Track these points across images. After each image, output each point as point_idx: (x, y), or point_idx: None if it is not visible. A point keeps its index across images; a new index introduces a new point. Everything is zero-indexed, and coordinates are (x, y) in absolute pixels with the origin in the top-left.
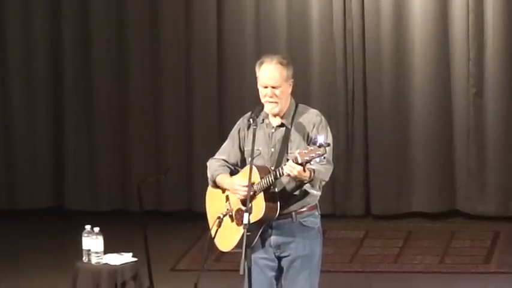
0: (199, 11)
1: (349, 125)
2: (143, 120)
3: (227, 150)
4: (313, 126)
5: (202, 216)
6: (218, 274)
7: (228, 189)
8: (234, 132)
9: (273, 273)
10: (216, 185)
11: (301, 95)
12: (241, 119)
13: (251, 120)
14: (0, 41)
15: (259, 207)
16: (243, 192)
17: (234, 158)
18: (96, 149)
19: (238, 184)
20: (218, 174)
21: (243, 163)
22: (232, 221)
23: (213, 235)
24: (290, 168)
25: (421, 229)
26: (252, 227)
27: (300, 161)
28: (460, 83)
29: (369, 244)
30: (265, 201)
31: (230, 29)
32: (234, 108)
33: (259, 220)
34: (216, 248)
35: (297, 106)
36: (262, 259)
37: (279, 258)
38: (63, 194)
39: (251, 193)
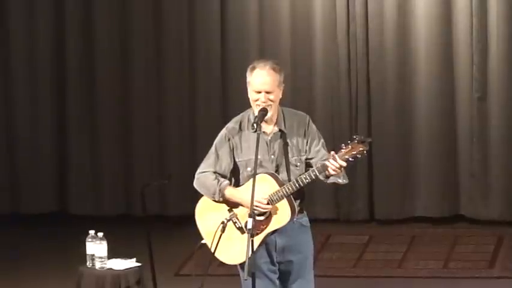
0: (201, 12)
1: (352, 129)
2: (146, 124)
3: (217, 162)
4: (304, 130)
5: None
6: (222, 279)
7: (242, 203)
8: (221, 142)
9: (276, 276)
10: (221, 199)
11: (304, 99)
12: (224, 129)
13: (255, 125)
14: (3, 45)
15: (284, 213)
16: (262, 208)
17: (227, 168)
18: (99, 154)
19: (257, 200)
20: (226, 186)
21: (235, 173)
22: (243, 232)
23: (216, 241)
24: (334, 167)
25: (424, 234)
26: (267, 236)
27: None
28: (464, 87)
29: (372, 249)
30: (290, 206)
31: (233, 32)
32: (238, 112)
33: (279, 228)
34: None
35: (282, 110)
36: (265, 263)
37: (282, 262)
38: (67, 198)
39: (267, 202)
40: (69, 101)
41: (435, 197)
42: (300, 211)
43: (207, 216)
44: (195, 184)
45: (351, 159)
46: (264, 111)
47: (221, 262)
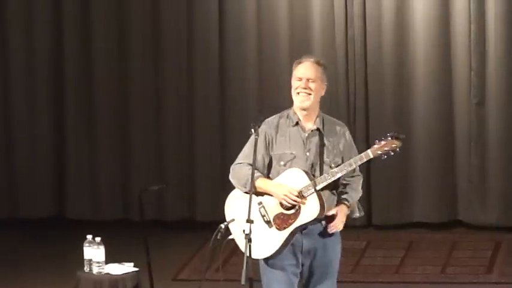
0: (199, 11)
1: (350, 131)
2: (144, 129)
3: (252, 155)
4: (343, 139)
5: (204, 225)
6: (220, 284)
7: (272, 194)
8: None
9: (298, 280)
10: (253, 189)
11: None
12: (262, 124)
13: (252, 130)
14: (2, 51)
15: (312, 208)
16: (292, 199)
17: (262, 161)
18: (97, 158)
19: (288, 190)
20: (258, 177)
21: (269, 167)
22: (271, 226)
23: (214, 245)
24: (335, 227)
25: (422, 239)
26: (295, 230)
27: (372, 156)
28: (462, 93)
29: (370, 254)
30: (319, 201)
31: (232, 32)
32: (236, 117)
33: (309, 222)
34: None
35: (322, 115)
36: (290, 266)
37: (306, 264)
38: (65, 203)
39: (297, 194)
40: (67, 106)
41: (433, 203)
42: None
43: (235, 208)
44: (230, 176)
45: (383, 155)
46: (262, 117)
47: (217, 268)
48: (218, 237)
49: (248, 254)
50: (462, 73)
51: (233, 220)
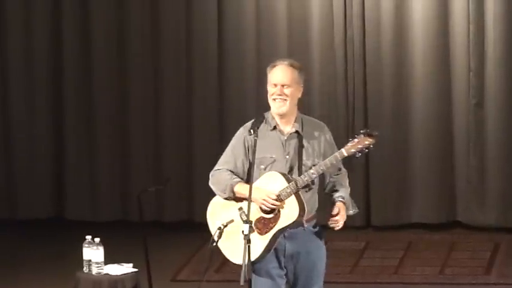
0: (198, 11)
1: (349, 135)
2: (143, 130)
3: (232, 160)
4: (322, 139)
5: (203, 226)
6: (218, 285)
7: (251, 199)
8: (236, 140)
9: (284, 281)
10: (231, 195)
11: (301, 100)
12: (242, 128)
13: (251, 131)
14: (1, 51)
15: (292, 210)
16: (271, 203)
17: (242, 166)
18: (96, 159)
19: (266, 194)
20: (237, 183)
21: (249, 172)
22: (252, 231)
23: (213, 247)
24: (336, 224)
25: (421, 240)
26: (276, 234)
27: (346, 155)
28: (461, 94)
29: (369, 255)
30: (298, 203)
31: (230, 32)
32: (234, 117)
33: (289, 225)
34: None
35: (301, 117)
36: (274, 268)
37: (290, 268)
38: (64, 204)
39: (275, 198)
40: (66, 107)
41: (431, 203)
42: (315, 216)
43: (217, 217)
44: (210, 182)
45: (357, 153)
46: (261, 118)
47: (216, 269)
48: (217, 238)
49: (247, 255)
50: (461, 74)
51: (232, 221)
